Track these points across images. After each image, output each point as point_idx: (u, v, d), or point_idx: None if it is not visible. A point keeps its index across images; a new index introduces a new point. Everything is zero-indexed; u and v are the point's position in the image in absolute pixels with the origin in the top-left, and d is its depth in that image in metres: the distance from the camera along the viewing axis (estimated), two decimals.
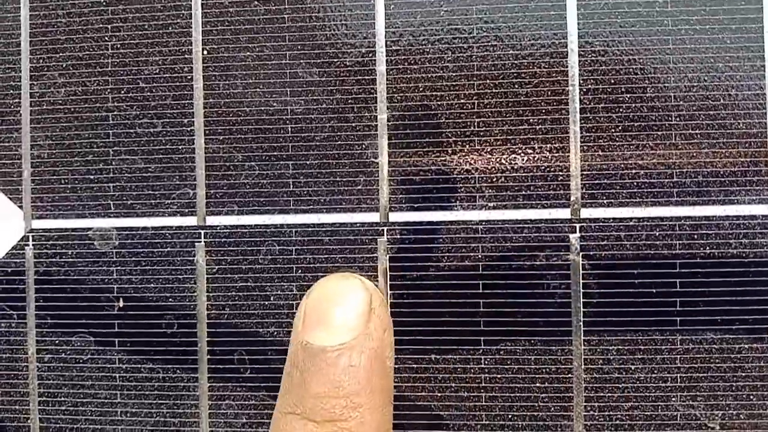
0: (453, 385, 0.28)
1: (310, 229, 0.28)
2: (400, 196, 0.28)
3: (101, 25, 0.29)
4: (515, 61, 0.28)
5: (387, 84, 0.28)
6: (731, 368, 0.27)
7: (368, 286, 0.26)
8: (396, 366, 0.28)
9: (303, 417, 0.24)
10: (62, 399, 0.29)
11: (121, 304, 0.29)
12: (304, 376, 0.25)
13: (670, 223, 0.27)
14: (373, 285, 0.26)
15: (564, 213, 0.28)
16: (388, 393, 0.26)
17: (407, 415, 0.28)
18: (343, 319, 0.25)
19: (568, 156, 0.27)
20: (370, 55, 0.28)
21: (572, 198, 0.27)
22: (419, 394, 0.28)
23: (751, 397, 0.27)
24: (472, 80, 0.28)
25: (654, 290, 0.27)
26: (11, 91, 0.30)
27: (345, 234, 0.28)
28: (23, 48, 0.30)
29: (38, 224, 0.30)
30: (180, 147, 0.29)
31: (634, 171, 0.27)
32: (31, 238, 0.30)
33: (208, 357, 0.29)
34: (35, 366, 0.30)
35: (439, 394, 0.28)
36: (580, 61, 0.27)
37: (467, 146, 0.28)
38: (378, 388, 0.25)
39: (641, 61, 0.27)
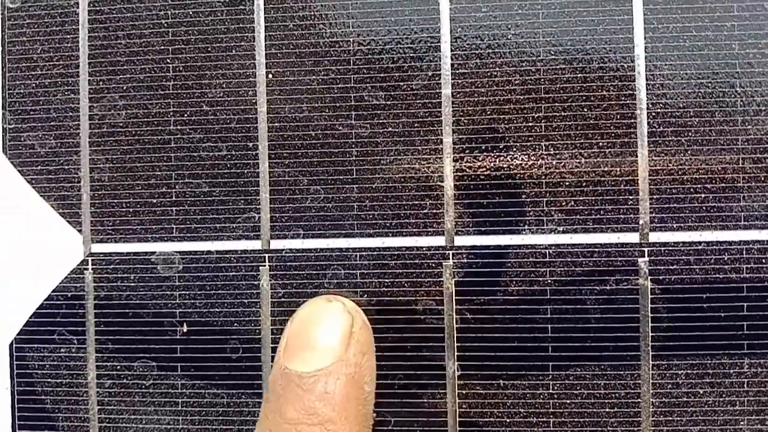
0: (522, 410, 0.28)
1: (375, 252, 0.29)
2: (467, 219, 0.28)
3: (162, 47, 0.30)
4: (583, 84, 0.28)
5: (453, 107, 0.28)
6: None
7: (350, 309, 0.27)
8: (464, 392, 0.29)
9: None
10: (124, 425, 0.30)
11: (185, 329, 0.29)
12: (279, 402, 0.25)
13: (738, 247, 0.28)
14: (356, 307, 0.27)
15: (633, 237, 0.28)
16: (365, 418, 0.26)
17: None
18: (321, 344, 0.26)
19: (637, 180, 0.28)
20: (437, 78, 0.28)
21: (641, 222, 0.28)
22: (488, 419, 0.28)
23: None
24: (540, 103, 0.28)
25: (722, 314, 0.28)
26: (70, 113, 0.30)
27: (411, 258, 0.29)
28: (82, 70, 0.30)
29: (98, 248, 0.30)
30: (245, 171, 0.29)
31: (702, 195, 0.28)
32: (90, 262, 0.30)
33: None
34: (95, 392, 0.30)
35: (508, 420, 0.28)
36: (647, 84, 0.28)
37: (535, 170, 0.28)
38: (353, 414, 0.26)
39: (709, 84, 0.28)
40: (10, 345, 0.31)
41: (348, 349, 0.26)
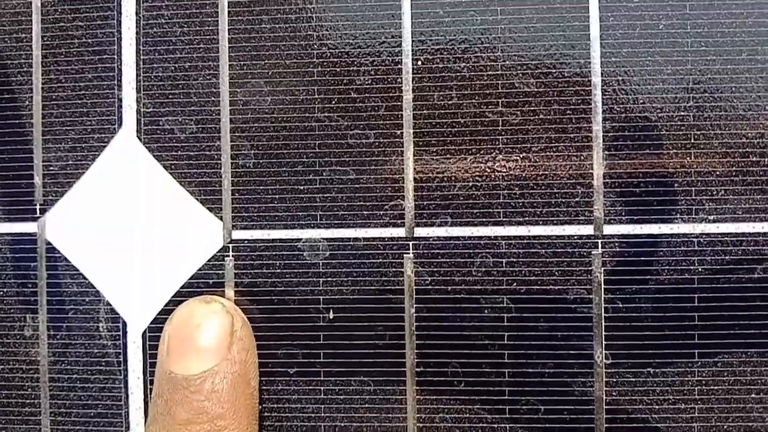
0: (670, 397, 0.30)
1: (525, 241, 0.31)
2: (619, 208, 0.30)
3: (309, 33, 0.31)
4: (733, 76, 0.30)
5: (603, 95, 0.30)
6: None
7: (230, 309, 0.30)
8: (614, 379, 0.31)
9: None
10: (266, 414, 0.31)
11: (331, 315, 0.31)
12: (168, 405, 0.28)
13: None
14: (235, 306, 0.30)
15: None
16: (253, 410, 0.30)
17: (625, 428, 0.30)
18: (204, 346, 0.29)
19: None
20: (588, 66, 0.30)
21: None
22: (636, 406, 0.31)
23: None
24: (691, 93, 0.30)
25: None
26: (212, 98, 0.32)
27: (561, 246, 0.30)
28: (222, 54, 0.32)
29: (239, 235, 0.32)
30: (393, 158, 0.31)
31: None
32: (231, 249, 0.32)
33: (418, 370, 0.31)
34: None
35: (656, 407, 0.30)
36: None
37: (686, 158, 0.30)
38: (242, 408, 0.29)
39: None
40: (143, 333, 0.33)
41: (231, 348, 0.29)
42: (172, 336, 0.29)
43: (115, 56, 0.33)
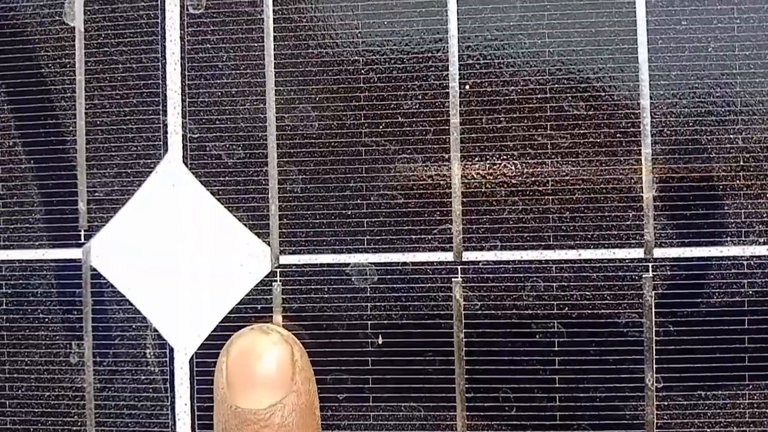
0: (722, 420, 0.30)
1: (576, 265, 0.31)
2: (669, 231, 0.30)
3: (355, 57, 0.31)
4: None
5: (652, 118, 0.30)
6: None
7: (288, 338, 0.30)
8: (665, 403, 0.31)
9: None
10: None
11: (380, 340, 0.31)
12: None
13: None
14: (291, 335, 0.30)
15: None
16: None
17: None
18: (268, 378, 0.28)
19: None
20: (637, 89, 0.31)
21: None
22: (688, 430, 0.31)
23: None
24: (740, 115, 0.30)
25: None
26: (259, 123, 0.32)
27: (612, 270, 0.31)
28: (268, 79, 0.32)
29: (287, 260, 0.32)
30: (441, 182, 0.31)
31: None
32: (278, 274, 0.32)
33: (468, 395, 0.31)
34: None
35: (709, 430, 0.30)
36: None
37: (737, 181, 0.30)
38: None
39: None
40: (191, 359, 0.33)
41: (295, 378, 0.29)
42: (232, 368, 0.29)
43: (160, 81, 0.33)
